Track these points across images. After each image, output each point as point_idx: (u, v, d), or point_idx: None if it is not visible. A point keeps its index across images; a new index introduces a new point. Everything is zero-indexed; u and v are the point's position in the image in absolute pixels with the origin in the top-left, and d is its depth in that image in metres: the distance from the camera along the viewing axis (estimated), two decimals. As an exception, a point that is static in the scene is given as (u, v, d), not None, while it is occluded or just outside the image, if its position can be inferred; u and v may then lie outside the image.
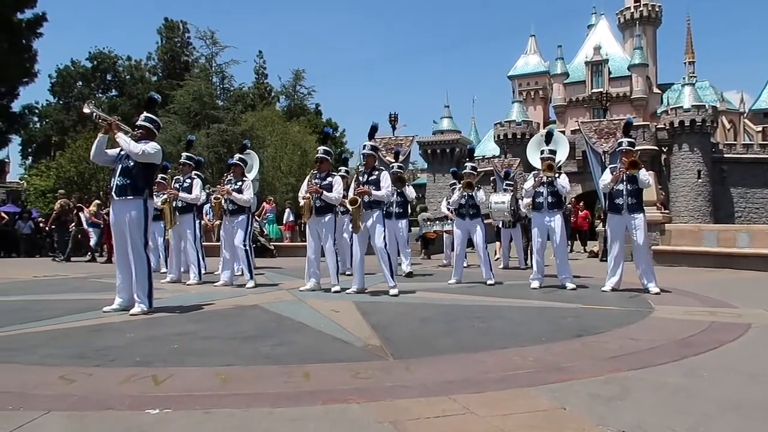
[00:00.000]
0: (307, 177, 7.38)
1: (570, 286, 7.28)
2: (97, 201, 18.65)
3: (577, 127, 24.81)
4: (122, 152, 5.43)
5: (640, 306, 5.81)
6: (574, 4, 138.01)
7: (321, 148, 7.44)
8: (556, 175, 7.49)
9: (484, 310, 5.81)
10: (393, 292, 6.69)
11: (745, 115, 53.55)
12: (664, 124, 44.76)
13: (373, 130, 7.60)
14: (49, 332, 4.52)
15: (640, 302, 6.09)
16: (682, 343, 4.00)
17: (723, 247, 11.28)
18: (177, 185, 8.32)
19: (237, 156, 8.39)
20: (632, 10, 54.00)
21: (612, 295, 6.78)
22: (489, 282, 7.95)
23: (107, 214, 17.29)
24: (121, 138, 5.32)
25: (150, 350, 3.84)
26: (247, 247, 7.87)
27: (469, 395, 2.77)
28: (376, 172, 7.00)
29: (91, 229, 16.45)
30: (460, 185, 8.35)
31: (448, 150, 49.59)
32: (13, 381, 3.08)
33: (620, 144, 7.37)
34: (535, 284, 7.46)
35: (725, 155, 44.99)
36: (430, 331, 4.69)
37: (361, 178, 7.06)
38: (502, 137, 47.96)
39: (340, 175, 7.85)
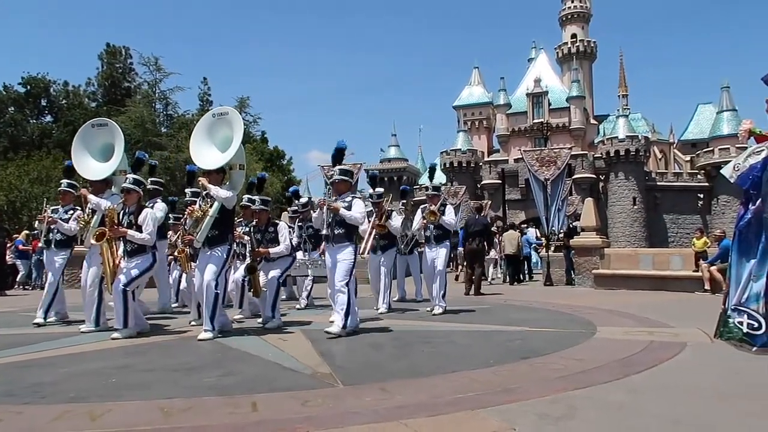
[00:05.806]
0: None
1: (438, 310, 7.62)
2: (26, 231, 17.70)
3: (520, 156, 25.60)
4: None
5: (583, 328, 5.96)
6: (516, 38, 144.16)
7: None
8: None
9: (434, 335, 5.83)
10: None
11: (674, 145, 56.74)
12: (601, 154, 46.98)
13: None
14: (-27, 369, 4.21)
15: (584, 324, 6.25)
16: (624, 362, 4.12)
17: (658, 269, 11.77)
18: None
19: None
20: (569, 45, 56.70)
21: (557, 318, 6.95)
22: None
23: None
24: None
25: (85, 385, 3.63)
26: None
27: (421, 419, 2.75)
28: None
29: (18, 261, 15.55)
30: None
31: (395, 178, 50.36)
32: (-70, 423, 2.84)
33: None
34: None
35: (657, 183, 47.57)
36: (381, 357, 4.65)
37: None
38: (448, 165, 49.03)
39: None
